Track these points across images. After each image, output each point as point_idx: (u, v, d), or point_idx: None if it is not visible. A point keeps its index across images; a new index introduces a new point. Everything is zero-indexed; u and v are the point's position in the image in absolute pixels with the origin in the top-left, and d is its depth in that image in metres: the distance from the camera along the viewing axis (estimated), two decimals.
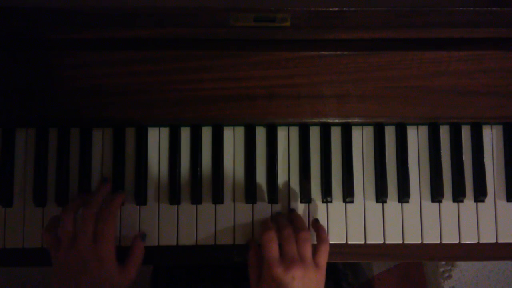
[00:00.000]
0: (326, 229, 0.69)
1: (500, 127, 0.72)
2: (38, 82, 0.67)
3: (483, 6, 0.65)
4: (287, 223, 0.66)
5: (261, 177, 0.70)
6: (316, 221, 0.69)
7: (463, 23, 0.66)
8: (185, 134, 0.71)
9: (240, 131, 0.71)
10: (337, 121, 0.70)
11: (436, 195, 0.70)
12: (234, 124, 0.71)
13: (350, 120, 0.70)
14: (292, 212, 0.70)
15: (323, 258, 0.65)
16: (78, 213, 0.65)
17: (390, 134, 0.72)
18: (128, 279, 0.64)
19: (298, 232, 0.64)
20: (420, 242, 0.70)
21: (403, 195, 0.70)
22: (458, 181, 0.70)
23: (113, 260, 0.63)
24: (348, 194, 0.70)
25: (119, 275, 0.63)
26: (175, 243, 0.69)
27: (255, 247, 0.67)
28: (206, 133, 0.71)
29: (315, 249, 0.65)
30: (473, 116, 0.69)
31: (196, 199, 0.69)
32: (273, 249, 0.63)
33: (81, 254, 0.61)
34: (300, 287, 0.61)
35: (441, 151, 0.71)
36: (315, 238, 0.67)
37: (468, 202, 0.70)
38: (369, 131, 0.72)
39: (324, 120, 0.70)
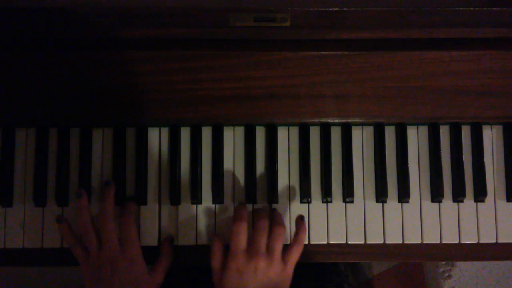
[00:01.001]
0: (326, 229, 0.69)
1: (500, 127, 0.72)
2: (37, 82, 0.67)
3: (483, 6, 0.65)
4: (266, 215, 0.66)
5: (261, 177, 0.70)
6: (301, 218, 0.69)
7: (463, 23, 0.66)
8: (185, 134, 0.71)
9: (240, 131, 0.71)
10: (337, 121, 0.70)
11: (436, 195, 0.70)
12: (234, 124, 0.71)
13: (350, 120, 0.70)
14: (273, 210, 0.69)
15: (294, 258, 0.65)
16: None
17: (390, 134, 0.72)
18: (156, 281, 0.65)
19: (273, 225, 0.64)
20: (420, 242, 0.70)
21: (403, 195, 0.70)
22: (458, 181, 0.70)
23: (142, 262, 0.64)
24: (348, 194, 0.70)
25: (148, 276, 0.64)
26: (175, 243, 0.69)
27: (219, 239, 0.66)
28: (206, 133, 0.71)
29: (288, 246, 0.66)
30: (473, 116, 0.69)
31: (196, 199, 0.69)
32: (241, 240, 0.63)
33: (110, 258, 0.62)
34: (262, 279, 0.61)
35: (441, 151, 0.71)
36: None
37: (468, 202, 0.70)
38: (369, 131, 0.72)
39: (324, 120, 0.70)
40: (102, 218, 0.64)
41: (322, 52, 0.67)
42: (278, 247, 0.64)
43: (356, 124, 0.71)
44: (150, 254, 0.67)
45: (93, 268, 0.63)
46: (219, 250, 0.65)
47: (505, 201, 0.71)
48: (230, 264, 0.63)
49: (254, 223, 0.65)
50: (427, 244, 0.70)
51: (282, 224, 0.65)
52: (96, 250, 0.63)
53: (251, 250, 0.63)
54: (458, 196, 0.70)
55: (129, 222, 0.65)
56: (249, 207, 0.70)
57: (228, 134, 0.71)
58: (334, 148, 0.71)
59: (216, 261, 0.65)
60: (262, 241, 0.63)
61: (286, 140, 0.71)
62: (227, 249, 0.65)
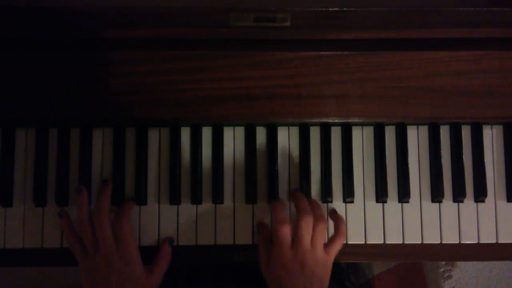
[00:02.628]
0: (326, 229, 0.69)
1: (500, 127, 0.72)
2: (37, 82, 0.67)
3: (483, 6, 0.65)
4: (309, 209, 0.66)
5: (261, 177, 0.70)
6: (334, 212, 0.70)
7: (463, 23, 0.66)
8: (185, 134, 0.70)
9: (240, 131, 0.71)
10: (337, 121, 0.70)
11: (436, 195, 0.70)
12: (234, 124, 0.71)
13: (350, 120, 0.70)
14: (310, 199, 0.69)
15: (336, 249, 0.67)
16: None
17: (390, 134, 0.72)
18: (154, 282, 0.65)
19: (317, 221, 0.65)
20: (420, 242, 0.70)
21: (403, 195, 0.70)
22: (458, 181, 0.70)
23: (138, 261, 0.64)
24: (348, 194, 0.70)
25: (146, 276, 0.64)
26: (175, 243, 0.69)
27: (264, 229, 0.68)
28: (206, 133, 0.71)
29: (330, 239, 0.67)
30: (473, 116, 0.69)
31: (196, 199, 0.69)
32: (285, 233, 0.64)
33: (107, 257, 0.62)
34: (309, 272, 0.62)
35: (441, 151, 0.71)
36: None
37: (468, 202, 0.70)
38: (369, 131, 0.72)
39: (324, 120, 0.70)
40: (98, 219, 0.64)
41: (322, 52, 0.67)
42: (321, 242, 0.65)
43: (356, 124, 0.71)
44: (150, 254, 0.67)
45: (90, 268, 0.63)
46: (265, 240, 0.67)
47: (505, 201, 0.71)
48: (278, 257, 0.64)
49: (299, 217, 0.65)
50: (427, 244, 0.70)
51: (324, 220, 0.66)
52: (93, 249, 0.63)
53: (297, 245, 0.64)
54: (458, 196, 0.70)
55: (123, 222, 0.64)
56: (249, 207, 0.70)
57: (228, 134, 0.71)
58: (334, 148, 0.71)
59: (264, 251, 0.66)
60: (308, 238, 0.64)
61: (286, 140, 0.71)
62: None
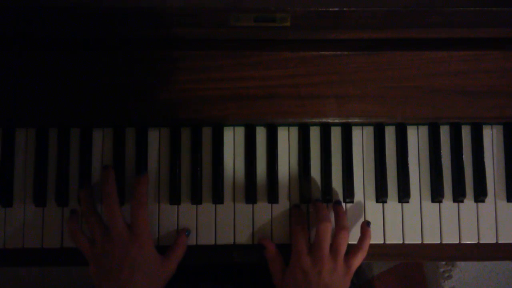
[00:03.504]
0: None
1: (500, 127, 0.72)
2: (37, 82, 0.67)
3: (483, 6, 0.65)
4: (329, 216, 0.66)
5: (261, 177, 0.70)
6: (366, 224, 0.68)
7: (463, 23, 0.66)
8: (185, 134, 0.70)
9: (240, 131, 0.71)
10: (337, 121, 0.70)
11: (436, 195, 0.70)
12: (234, 124, 0.71)
13: (350, 120, 0.70)
14: (337, 204, 0.69)
15: (357, 263, 0.65)
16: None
17: (390, 134, 0.72)
18: (168, 270, 0.64)
19: (339, 230, 0.65)
20: (420, 242, 0.70)
21: (403, 195, 0.70)
22: (458, 181, 0.70)
23: (152, 247, 0.64)
24: (348, 194, 0.69)
25: (160, 263, 0.64)
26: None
27: (271, 243, 0.67)
28: (206, 133, 0.71)
29: (352, 252, 0.66)
30: (473, 116, 0.69)
31: (196, 199, 0.69)
32: (303, 241, 0.64)
33: (121, 241, 0.62)
34: (326, 281, 0.62)
35: (441, 151, 0.71)
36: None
37: (468, 202, 0.70)
38: (369, 131, 0.72)
39: (324, 120, 0.70)
40: (106, 204, 0.63)
41: (322, 52, 0.67)
42: (342, 251, 0.64)
43: (356, 124, 0.71)
44: None
45: (101, 256, 0.62)
46: (277, 254, 0.66)
47: (505, 201, 0.71)
48: (295, 264, 0.63)
49: (317, 224, 0.65)
50: (427, 244, 0.70)
51: (346, 228, 0.65)
52: (101, 237, 0.63)
53: (316, 253, 0.63)
54: (458, 196, 0.70)
55: (140, 205, 0.64)
56: (249, 207, 0.70)
57: (228, 134, 0.71)
58: (334, 148, 0.71)
59: (275, 263, 0.66)
60: (326, 245, 0.64)
61: (286, 140, 0.71)
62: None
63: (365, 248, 0.67)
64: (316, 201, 0.69)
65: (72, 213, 0.67)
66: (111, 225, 0.63)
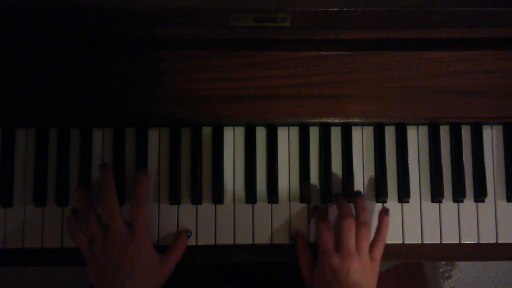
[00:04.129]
0: None
1: (500, 127, 0.72)
2: (37, 82, 0.67)
3: (483, 6, 0.65)
4: (350, 212, 0.66)
5: (261, 177, 0.70)
6: (385, 212, 0.68)
7: (463, 23, 0.66)
8: (185, 134, 0.70)
9: (240, 131, 0.71)
10: (337, 121, 0.70)
11: (436, 195, 0.70)
12: (234, 124, 0.71)
13: (350, 120, 0.70)
14: (358, 196, 0.69)
15: (379, 253, 0.66)
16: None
17: (390, 134, 0.71)
18: (166, 269, 0.65)
19: (360, 226, 0.65)
20: (420, 242, 0.70)
21: (403, 195, 0.70)
22: (458, 181, 0.70)
23: (150, 245, 0.64)
24: (348, 194, 0.69)
25: (159, 262, 0.64)
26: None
27: (302, 238, 0.68)
28: (206, 133, 0.71)
29: (372, 243, 0.66)
30: (473, 116, 0.69)
31: (196, 199, 0.69)
32: (330, 239, 0.64)
33: (119, 239, 0.62)
34: (355, 279, 0.62)
35: (441, 151, 0.71)
36: None
37: (468, 202, 0.70)
38: (369, 131, 0.72)
39: (324, 120, 0.70)
40: (105, 202, 0.64)
41: (322, 52, 0.67)
42: (365, 246, 0.64)
43: (356, 124, 0.71)
44: None
45: (98, 256, 0.62)
46: (306, 248, 0.67)
47: (505, 201, 0.71)
48: (323, 262, 0.63)
49: (340, 221, 0.65)
50: (427, 244, 0.70)
51: (367, 224, 0.66)
52: (99, 236, 0.63)
53: (342, 250, 0.63)
54: (458, 196, 0.70)
55: (140, 203, 0.64)
56: (249, 207, 0.70)
57: (228, 134, 0.71)
58: (334, 148, 0.71)
59: (304, 258, 0.66)
60: (352, 241, 0.64)
61: (286, 140, 0.71)
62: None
63: (384, 237, 0.67)
64: (337, 195, 0.69)
65: (72, 212, 0.67)
66: (109, 224, 0.63)
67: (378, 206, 0.70)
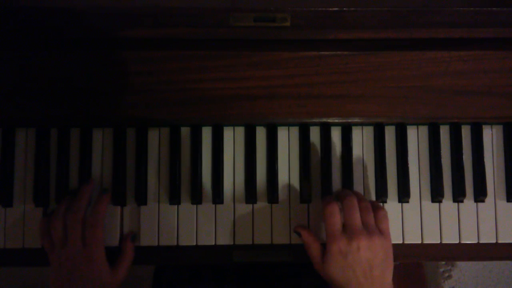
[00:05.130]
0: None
1: (500, 127, 0.72)
2: (37, 82, 0.67)
3: (483, 6, 0.65)
4: (351, 192, 0.65)
5: (261, 177, 0.70)
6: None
7: (463, 23, 0.66)
8: (185, 134, 0.71)
9: (240, 131, 0.71)
10: (337, 121, 0.70)
11: (436, 195, 0.70)
12: (234, 124, 0.71)
13: (350, 120, 0.70)
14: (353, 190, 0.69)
15: (386, 224, 0.64)
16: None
17: (390, 134, 0.72)
18: (118, 279, 0.66)
19: (360, 201, 0.64)
20: (420, 242, 0.70)
21: (403, 195, 0.70)
22: (458, 181, 0.70)
23: (103, 261, 0.65)
24: None
25: (110, 275, 0.65)
26: (175, 243, 0.69)
27: (307, 229, 0.67)
28: (206, 133, 0.71)
29: (375, 216, 0.64)
30: (473, 116, 0.69)
31: (196, 199, 0.69)
32: (336, 223, 0.62)
33: (72, 256, 0.63)
34: (367, 256, 0.60)
35: (441, 151, 0.71)
36: None
37: (468, 202, 0.70)
38: (369, 131, 0.72)
39: (324, 120, 0.70)
40: (72, 215, 0.65)
41: (322, 52, 0.67)
42: (371, 220, 0.63)
43: (356, 124, 0.71)
44: (150, 254, 0.67)
45: (56, 263, 0.64)
46: (313, 239, 0.66)
47: (505, 201, 0.71)
48: (331, 247, 0.61)
49: (342, 202, 0.64)
50: (427, 244, 0.70)
51: (367, 200, 0.65)
52: (60, 244, 0.64)
53: (348, 230, 0.61)
54: (458, 196, 0.70)
55: (96, 220, 0.65)
56: (249, 207, 0.70)
57: (228, 134, 0.71)
58: (334, 148, 0.71)
59: (313, 248, 0.65)
60: (357, 219, 0.62)
61: (286, 140, 0.71)
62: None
63: (379, 205, 0.65)
64: (337, 190, 0.69)
65: (49, 213, 0.68)
66: (69, 236, 0.64)
67: None
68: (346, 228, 0.62)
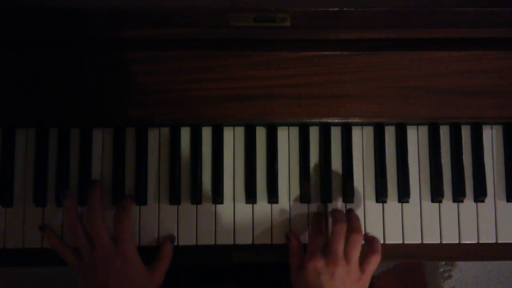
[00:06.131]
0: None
1: (500, 127, 0.72)
2: (37, 82, 0.67)
3: (483, 6, 0.65)
4: (344, 218, 0.65)
5: (261, 177, 0.70)
6: (369, 234, 0.67)
7: (463, 23, 0.66)
8: (185, 134, 0.71)
9: (240, 131, 0.71)
10: (337, 121, 0.70)
11: (436, 195, 0.70)
12: (234, 124, 0.71)
13: (350, 120, 0.70)
14: (350, 211, 0.69)
15: (371, 267, 0.63)
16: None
17: (390, 134, 0.72)
18: (156, 281, 0.64)
19: (350, 232, 0.63)
20: (420, 242, 0.70)
21: (403, 195, 0.70)
22: (458, 181, 0.70)
23: (137, 259, 0.63)
24: (348, 194, 0.69)
25: (146, 275, 0.64)
26: (175, 243, 0.69)
27: (296, 236, 0.68)
28: (206, 133, 0.71)
29: (365, 257, 0.64)
30: (473, 116, 0.69)
31: (196, 199, 0.69)
32: (319, 241, 0.64)
33: (105, 256, 0.61)
34: (338, 285, 0.60)
35: (441, 151, 0.71)
36: None
37: (468, 202, 0.70)
38: (369, 131, 0.72)
39: (324, 120, 0.70)
40: (90, 218, 0.63)
41: (322, 52, 0.67)
42: (355, 255, 0.62)
43: (356, 124, 0.71)
44: (150, 255, 0.67)
45: (87, 271, 0.62)
46: (298, 247, 0.66)
47: (505, 201, 0.71)
48: (308, 264, 0.62)
49: (332, 225, 0.64)
50: (427, 244, 0.70)
51: (359, 231, 0.64)
52: (88, 251, 0.63)
53: (329, 254, 0.62)
54: (458, 196, 0.70)
55: (123, 219, 0.64)
56: (249, 207, 0.70)
57: (228, 134, 0.71)
58: (334, 148, 0.71)
59: (295, 258, 0.65)
60: (340, 246, 0.62)
61: (286, 140, 0.71)
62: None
63: (377, 250, 0.64)
64: (333, 210, 0.68)
65: (41, 231, 0.66)
66: (94, 238, 0.63)
67: (378, 206, 0.70)
68: (328, 252, 0.62)
